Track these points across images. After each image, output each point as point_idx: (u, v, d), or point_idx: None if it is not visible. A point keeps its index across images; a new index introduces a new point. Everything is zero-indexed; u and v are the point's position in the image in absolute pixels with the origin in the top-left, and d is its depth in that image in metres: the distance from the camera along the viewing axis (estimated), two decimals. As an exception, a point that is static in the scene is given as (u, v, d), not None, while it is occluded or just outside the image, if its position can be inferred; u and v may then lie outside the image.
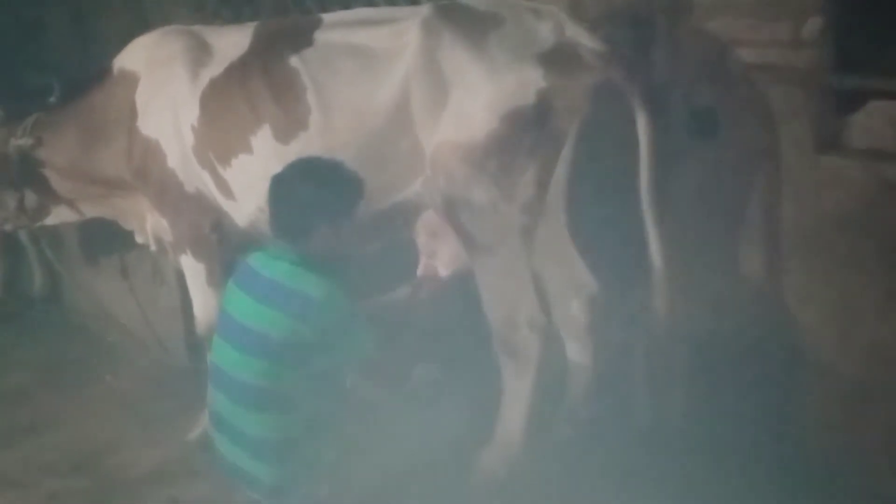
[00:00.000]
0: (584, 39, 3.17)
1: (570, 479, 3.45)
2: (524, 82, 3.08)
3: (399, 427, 3.26)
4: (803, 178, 3.21)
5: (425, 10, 3.23)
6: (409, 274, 3.68)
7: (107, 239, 4.74)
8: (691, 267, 3.46)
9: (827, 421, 3.32)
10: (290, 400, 2.97)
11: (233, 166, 3.49)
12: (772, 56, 3.21)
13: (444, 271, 3.55)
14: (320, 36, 3.38)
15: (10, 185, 4.01)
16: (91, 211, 4.14)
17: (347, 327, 2.96)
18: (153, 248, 4.01)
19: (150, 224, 3.90)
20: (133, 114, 3.67)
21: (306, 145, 3.29)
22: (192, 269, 3.75)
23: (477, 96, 3.11)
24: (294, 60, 3.34)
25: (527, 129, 3.10)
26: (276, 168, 3.08)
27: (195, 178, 3.61)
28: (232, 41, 3.57)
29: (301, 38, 3.39)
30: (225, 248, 3.69)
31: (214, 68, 3.53)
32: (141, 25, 4.17)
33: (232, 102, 3.45)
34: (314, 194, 2.96)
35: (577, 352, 3.66)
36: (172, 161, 3.60)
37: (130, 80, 3.70)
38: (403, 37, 3.19)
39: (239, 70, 3.47)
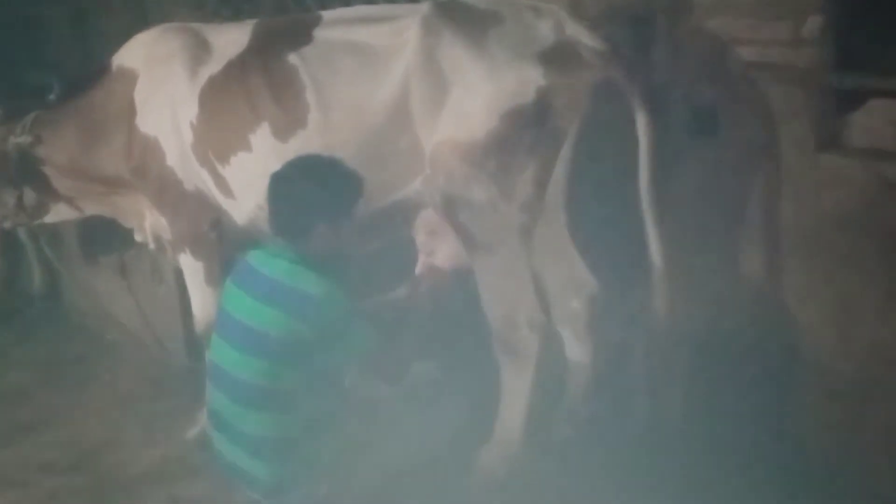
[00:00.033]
0: (584, 38, 3.17)
1: (570, 479, 3.45)
2: (524, 81, 3.08)
3: (398, 426, 3.25)
4: (803, 178, 3.21)
5: (425, 8, 3.22)
6: (408, 273, 3.67)
7: (106, 237, 4.75)
8: (691, 266, 3.46)
9: (826, 421, 3.31)
10: (289, 399, 2.96)
11: (232, 164, 3.48)
12: (772, 55, 3.21)
13: (442, 268, 3.55)
14: (319, 33, 3.37)
15: (9, 183, 4.00)
16: (90, 209, 4.14)
17: (346, 326, 2.96)
18: (152, 246, 4.01)
19: (148, 222, 3.90)
20: (132, 111, 3.67)
21: (305, 143, 3.28)
22: (191, 268, 3.75)
23: (477, 95, 3.10)
24: (293, 58, 3.34)
25: (526, 128, 3.09)
26: (275, 166, 3.08)
27: (194, 176, 3.60)
28: (231, 39, 3.56)
29: (300, 36, 3.38)
30: (224, 246, 3.69)
31: (213, 66, 3.53)
32: (141, 23, 4.16)
33: (231, 100, 3.45)
34: (313, 192, 2.96)
35: (576, 351, 3.66)
36: (171, 159, 3.60)
37: (129, 78, 3.70)
38: (403, 34, 3.19)
39: (238, 68, 3.47)
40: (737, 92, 3.31)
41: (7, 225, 4.27)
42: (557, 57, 3.12)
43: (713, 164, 3.44)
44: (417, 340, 3.49)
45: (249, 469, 3.03)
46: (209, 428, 3.22)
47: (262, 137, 3.38)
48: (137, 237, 4.09)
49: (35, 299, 5.70)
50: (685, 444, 3.53)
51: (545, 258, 3.50)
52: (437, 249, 3.54)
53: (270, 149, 3.36)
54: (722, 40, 3.31)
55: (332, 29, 3.38)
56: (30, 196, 4.06)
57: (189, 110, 3.53)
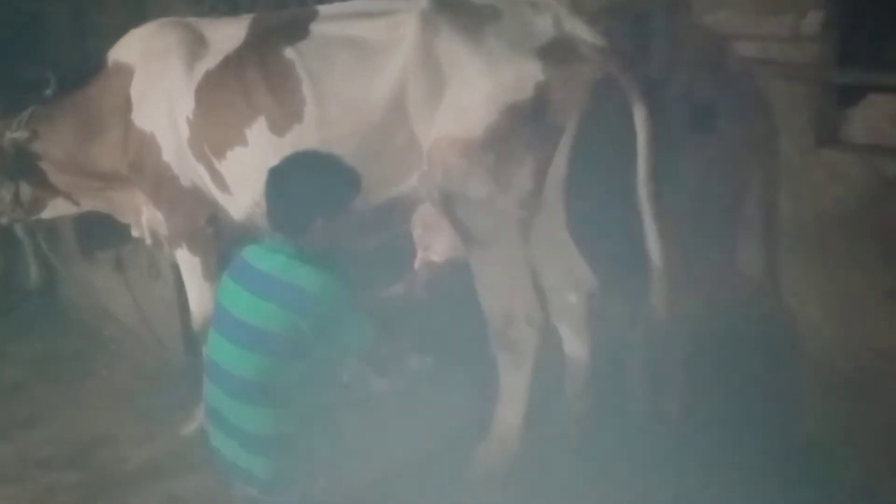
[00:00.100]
0: (582, 33, 3.16)
1: (568, 474, 3.45)
2: (523, 76, 3.07)
3: (395, 422, 3.25)
4: (803, 174, 3.21)
5: (423, 3, 3.21)
6: (405, 268, 3.67)
7: (103, 233, 4.74)
8: (689, 262, 3.45)
9: (826, 418, 3.31)
10: (286, 394, 2.95)
11: (228, 159, 3.47)
12: (772, 51, 3.21)
13: (439, 263, 3.54)
14: (316, 28, 3.37)
15: (6, 178, 4.00)
16: (87, 204, 4.13)
17: (343, 321, 2.94)
18: (149, 242, 4.00)
19: (145, 218, 3.89)
20: (128, 106, 3.66)
21: (301, 138, 3.28)
22: (188, 263, 3.74)
23: (475, 90, 3.09)
24: (290, 53, 3.33)
25: (525, 123, 3.08)
26: (272, 161, 3.06)
27: (190, 171, 3.60)
28: (228, 33, 3.55)
29: (297, 30, 3.38)
30: (220, 241, 3.68)
31: (210, 61, 3.52)
32: (139, 18, 4.14)
33: (227, 95, 3.44)
34: (311, 188, 2.94)
35: (574, 347, 3.65)
36: (167, 154, 3.59)
37: (125, 73, 3.69)
38: (400, 29, 3.18)
39: (234, 62, 3.46)
40: (736, 87, 3.31)
41: (4, 220, 4.26)
42: (556, 52, 3.11)
43: (712, 160, 3.43)
44: (414, 335, 3.49)
45: (246, 465, 3.02)
46: (206, 424, 3.21)
47: (258, 132, 3.38)
48: (134, 233, 4.08)
49: (32, 295, 5.69)
50: (683, 439, 3.52)
51: (543, 254, 3.49)
52: (433, 244, 3.53)
53: (267, 143, 3.35)
54: (721, 36, 3.30)
55: (329, 24, 3.37)
56: (26, 191, 4.05)
57: (185, 105, 3.52)
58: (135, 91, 3.65)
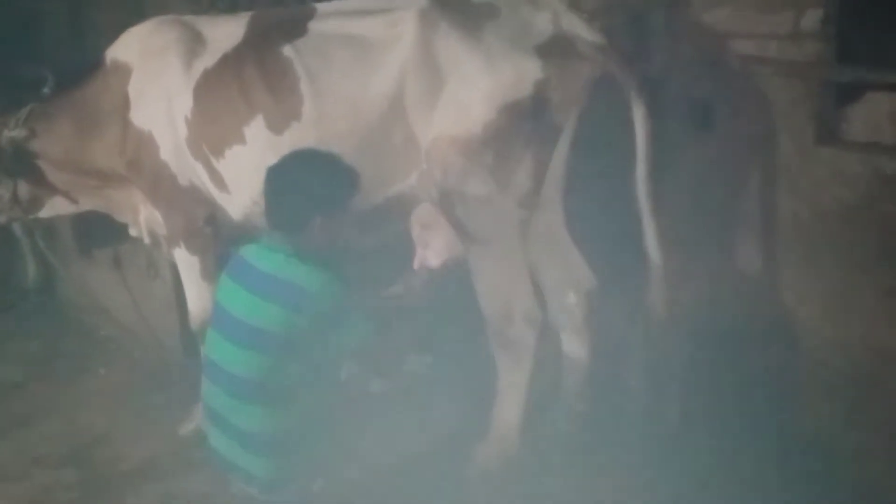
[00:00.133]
0: (581, 31, 3.16)
1: (566, 473, 3.45)
2: (522, 74, 3.07)
3: (394, 421, 3.24)
4: (802, 171, 3.21)
5: (421, 0, 3.20)
6: (404, 267, 3.66)
7: (101, 232, 4.72)
8: (688, 260, 3.45)
9: (824, 416, 3.31)
10: (284, 393, 2.95)
11: (226, 158, 3.46)
12: (771, 48, 3.21)
13: (436, 262, 3.53)
14: (314, 26, 3.36)
15: (4, 177, 3.98)
16: (85, 203, 4.11)
17: (342, 320, 2.94)
18: (147, 240, 3.99)
19: (143, 217, 3.88)
20: (126, 105, 3.65)
21: (300, 136, 3.27)
22: (186, 263, 3.73)
23: (474, 88, 3.09)
24: (288, 50, 3.33)
25: (524, 121, 3.08)
26: (270, 159, 3.06)
27: (188, 170, 3.59)
28: (226, 31, 3.55)
29: (295, 28, 3.37)
30: (219, 240, 3.67)
31: (208, 59, 3.51)
32: (137, 16, 4.13)
33: (226, 93, 3.43)
34: (309, 186, 2.94)
35: (573, 346, 3.65)
36: (165, 153, 3.58)
37: (123, 71, 3.67)
38: (398, 27, 3.18)
39: (233, 60, 3.45)
40: (735, 85, 3.30)
41: (2, 219, 4.24)
42: (555, 50, 3.11)
43: (710, 158, 3.43)
44: (413, 334, 3.48)
45: (245, 464, 3.01)
46: (204, 423, 3.20)
47: (256, 130, 3.37)
48: (132, 232, 4.07)
49: (30, 294, 5.67)
50: (682, 438, 3.52)
51: (542, 252, 3.49)
52: (431, 243, 3.53)
53: (265, 141, 3.35)
54: (720, 33, 3.30)
55: (327, 21, 3.37)
56: (24, 190, 4.04)
57: (184, 104, 3.52)
58: (133, 89, 3.64)
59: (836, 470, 3.26)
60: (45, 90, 3.91)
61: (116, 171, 3.80)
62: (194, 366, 3.67)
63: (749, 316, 3.44)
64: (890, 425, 3.12)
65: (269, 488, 3.02)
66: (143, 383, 4.57)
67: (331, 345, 2.95)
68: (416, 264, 3.59)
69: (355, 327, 2.98)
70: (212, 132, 3.48)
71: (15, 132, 3.86)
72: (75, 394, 4.56)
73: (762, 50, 3.22)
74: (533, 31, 3.14)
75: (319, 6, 3.49)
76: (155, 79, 3.59)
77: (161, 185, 3.64)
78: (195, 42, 3.57)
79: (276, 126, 3.33)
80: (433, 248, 3.52)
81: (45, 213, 4.19)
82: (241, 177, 3.46)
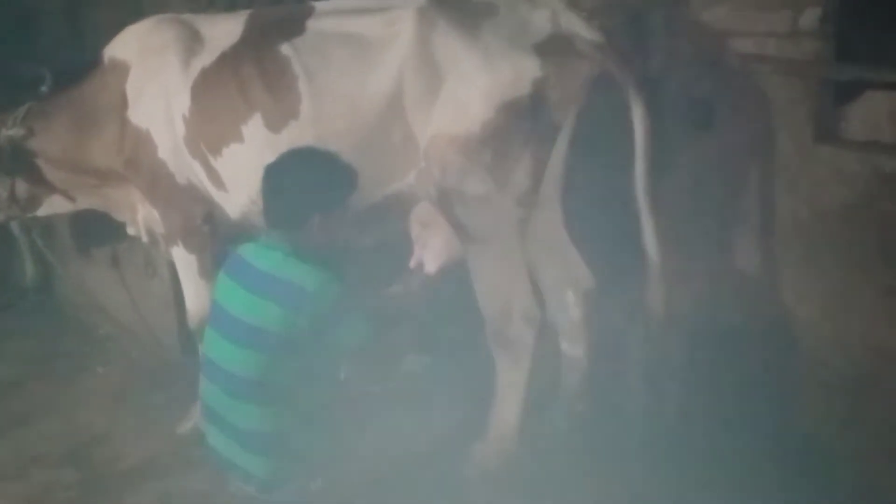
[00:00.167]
0: (580, 29, 3.15)
1: (565, 473, 3.44)
2: (520, 72, 3.06)
3: (392, 420, 3.24)
4: (800, 170, 3.20)
5: (419, -1, 3.21)
6: (403, 266, 3.66)
7: (99, 230, 4.72)
8: (687, 259, 3.45)
9: (823, 415, 3.30)
10: (282, 392, 2.94)
11: (224, 156, 3.46)
12: (769, 47, 3.21)
13: (435, 262, 3.53)
14: (313, 24, 3.36)
15: (2, 175, 3.97)
16: (83, 202, 4.11)
17: (340, 319, 2.93)
18: (145, 239, 3.99)
19: (141, 215, 3.87)
20: (124, 103, 3.64)
21: (298, 134, 3.27)
22: (184, 261, 3.73)
23: (472, 86, 3.09)
24: (286, 49, 3.32)
25: (522, 120, 3.08)
26: (268, 158, 3.05)
27: (186, 168, 3.58)
28: (224, 30, 3.54)
29: (293, 27, 3.37)
30: (217, 239, 3.67)
31: (206, 57, 3.51)
32: (136, 15, 4.12)
33: (223, 92, 3.43)
34: (307, 184, 2.93)
35: (571, 345, 3.65)
36: (163, 152, 3.57)
37: (121, 70, 3.67)
38: (396, 25, 3.18)
39: (231, 59, 3.44)
40: (734, 84, 3.30)
41: (0, 218, 4.24)
42: (553, 49, 3.11)
43: (709, 157, 3.43)
44: (410, 336, 3.48)
45: (243, 463, 3.01)
46: (202, 422, 3.20)
47: (254, 129, 3.36)
48: (130, 230, 4.07)
49: (28, 292, 5.67)
50: (680, 437, 3.52)
51: (540, 251, 3.49)
52: (430, 243, 3.52)
53: (263, 140, 3.34)
54: (719, 32, 3.29)
55: (326, 20, 3.37)
56: (22, 188, 4.03)
57: (182, 102, 3.51)
58: (131, 88, 3.63)
59: (834, 469, 3.26)
60: (43, 89, 3.90)
61: (114, 170, 3.79)
62: (192, 364, 3.67)
63: (748, 315, 3.44)
64: (889, 424, 3.12)
65: (267, 487, 3.02)
66: (141, 382, 4.57)
67: (329, 344, 2.94)
68: (413, 264, 3.58)
69: (353, 327, 2.98)
70: (210, 131, 3.48)
71: (13, 131, 3.86)
72: (74, 393, 4.56)
73: (761, 48, 3.21)
74: (531, 30, 3.13)
75: (318, 5, 3.49)
76: (153, 77, 3.58)
77: (159, 184, 3.63)
78: (193, 40, 3.57)
79: (275, 125, 3.32)
80: (431, 248, 3.51)
81: (42, 211, 4.18)
82: (239, 175, 3.46)
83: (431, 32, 3.12)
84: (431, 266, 3.52)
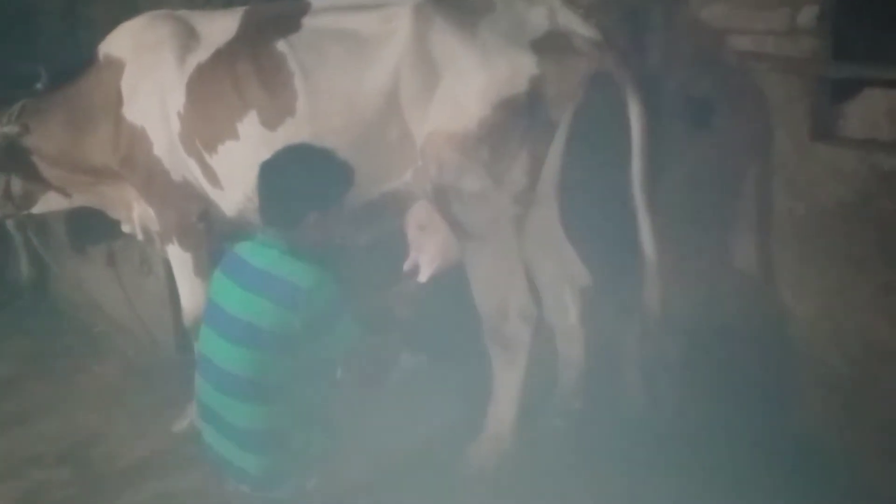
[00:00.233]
0: (577, 27, 3.15)
1: (561, 471, 3.44)
2: (517, 69, 3.06)
3: (388, 419, 3.23)
4: (798, 168, 3.20)
5: (416, -4, 3.20)
6: (399, 267, 3.65)
7: (94, 228, 4.71)
8: (684, 258, 3.44)
9: (820, 413, 3.30)
10: (278, 390, 2.94)
11: (219, 153, 3.45)
12: (767, 45, 3.20)
13: (431, 264, 3.52)
14: (309, 21, 3.35)
15: (-3, 172, 3.98)
16: (78, 199, 4.10)
17: (336, 317, 2.93)
18: (140, 237, 3.98)
19: (136, 213, 3.87)
20: (119, 100, 3.63)
21: (294, 131, 3.26)
22: (179, 259, 3.72)
23: (469, 83, 3.08)
24: (282, 45, 3.31)
25: (519, 117, 3.07)
26: (264, 155, 3.04)
27: (181, 166, 3.57)
28: (220, 26, 3.53)
29: (289, 23, 3.36)
30: (212, 236, 3.66)
31: (201, 54, 3.50)
32: (131, 11, 4.11)
33: (219, 88, 3.42)
34: (303, 182, 2.92)
35: (568, 343, 3.64)
36: (159, 149, 3.56)
37: (116, 67, 3.66)
38: (393, 22, 3.17)
39: (226, 56, 3.43)
40: (732, 82, 3.30)
41: (-5, 216, 4.25)
42: (550, 46, 3.10)
43: (707, 155, 3.42)
44: (405, 335, 3.47)
45: (239, 461, 3.00)
46: (198, 420, 3.19)
47: (250, 126, 3.35)
48: (125, 228, 4.06)
49: (23, 291, 5.66)
50: (677, 436, 3.52)
51: (537, 249, 3.48)
52: (425, 245, 3.51)
53: (258, 137, 3.33)
54: (717, 30, 3.29)
55: (322, 17, 3.36)
56: (17, 186, 4.03)
57: (177, 99, 3.50)
58: (126, 85, 3.62)
59: (831, 467, 3.25)
60: (38, 86, 3.90)
61: (109, 167, 3.78)
62: (188, 362, 3.66)
63: (745, 313, 3.44)
64: (887, 422, 3.12)
65: (263, 485, 3.01)
66: (136, 380, 4.56)
67: (324, 342, 2.94)
68: (408, 266, 3.57)
69: (349, 325, 2.97)
70: (205, 128, 3.46)
71: (7, 128, 3.85)
72: (69, 391, 4.55)
73: (759, 46, 3.21)
74: (528, 27, 3.12)
75: (314, 1, 3.47)
76: (148, 74, 3.57)
77: (154, 181, 3.62)
78: (188, 37, 3.56)
79: (270, 122, 3.31)
80: (428, 250, 3.50)
81: (38, 209, 4.18)
82: (234, 173, 3.45)
83: (428, 29, 3.11)
84: (427, 269, 3.51)
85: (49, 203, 4.15)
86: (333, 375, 3.15)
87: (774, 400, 3.41)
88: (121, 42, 3.72)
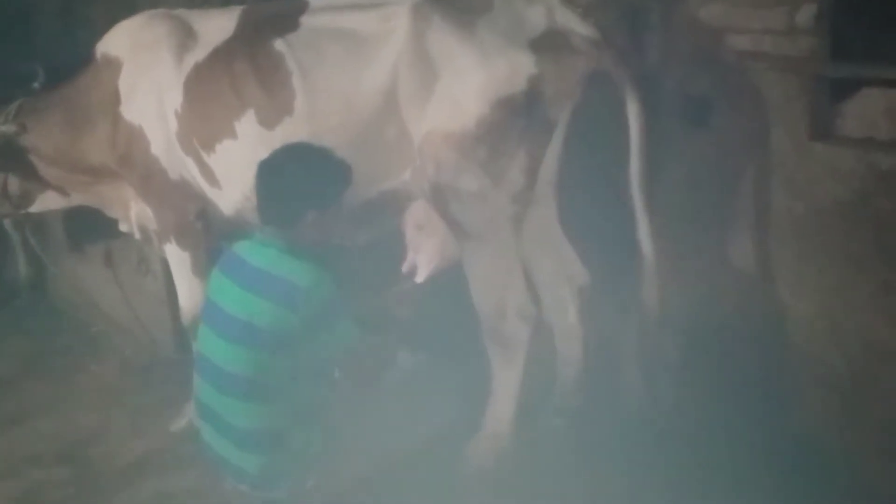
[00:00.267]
0: (575, 26, 3.15)
1: (560, 470, 3.44)
2: (515, 68, 3.06)
3: (387, 418, 3.23)
4: (796, 167, 3.20)
5: (414, -5, 3.19)
6: (398, 266, 3.65)
7: (92, 228, 4.71)
8: (682, 257, 3.44)
9: (818, 411, 3.30)
10: (276, 390, 2.93)
11: (217, 153, 3.45)
12: (765, 44, 3.20)
13: (429, 265, 3.52)
14: (306, 20, 3.35)
15: (-6, 172, 3.98)
16: (76, 198, 4.10)
17: (334, 317, 2.92)
18: (138, 236, 3.98)
19: (134, 212, 3.86)
20: (116, 99, 3.62)
21: (292, 131, 3.25)
22: (177, 258, 3.72)
23: (467, 82, 3.08)
24: (280, 45, 3.31)
25: (517, 116, 3.07)
26: (262, 154, 3.03)
27: (179, 165, 3.57)
28: (217, 25, 3.53)
29: (287, 22, 3.36)
30: (210, 236, 3.66)
31: (199, 53, 3.49)
32: (129, 10, 4.11)
33: (216, 87, 3.41)
34: (301, 181, 2.92)
35: (567, 342, 3.64)
36: (156, 148, 3.56)
37: (114, 66, 3.65)
38: (391, 21, 3.17)
39: (224, 55, 3.43)
40: (730, 81, 3.30)
41: (-8, 215, 4.24)
42: (549, 45, 3.10)
43: (705, 154, 3.42)
44: (403, 335, 3.47)
45: (237, 461, 3.00)
46: (196, 419, 3.19)
47: (247, 125, 3.35)
48: (123, 227, 4.05)
49: (21, 290, 5.66)
50: (676, 435, 3.52)
51: (535, 248, 3.48)
52: (423, 245, 3.51)
53: (256, 136, 3.33)
54: (715, 29, 3.29)
55: (320, 16, 3.35)
56: (14, 185, 4.03)
57: (174, 98, 3.50)
58: (123, 84, 3.62)
59: (830, 467, 3.26)
60: (36, 85, 3.90)
61: (107, 166, 3.78)
62: (186, 361, 3.66)
63: (744, 312, 3.44)
64: (886, 421, 3.12)
65: (261, 485, 3.01)
66: (134, 380, 4.57)
67: (322, 341, 2.93)
68: (406, 267, 3.57)
69: (347, 325, 2.97)
70: (202, 127, 3.46)
71: (5, 127, 3.85)
72: (67, 390, 4.54)
73: (757, 45, 3.21)
74: (527, 26, 3.12)
75: (312, 0, 3.47)
76: (145, 73, 3.56)
77: (152, 180, 3.62)
78: (186, 36, 3.56)
79: (268, 121, 3.31)
80: (426, 251, 3.50)
81: (35, 208, 4.18)
82: (232, 172, 3.45)
83: (426, 28, 3.11)
84: (425, 268, 3.51)
85: (47, 202, 4.14)
86: (332, 375, 3.15)
87: (773, 399, 3.41)
88: (118, 41, 3.71)
